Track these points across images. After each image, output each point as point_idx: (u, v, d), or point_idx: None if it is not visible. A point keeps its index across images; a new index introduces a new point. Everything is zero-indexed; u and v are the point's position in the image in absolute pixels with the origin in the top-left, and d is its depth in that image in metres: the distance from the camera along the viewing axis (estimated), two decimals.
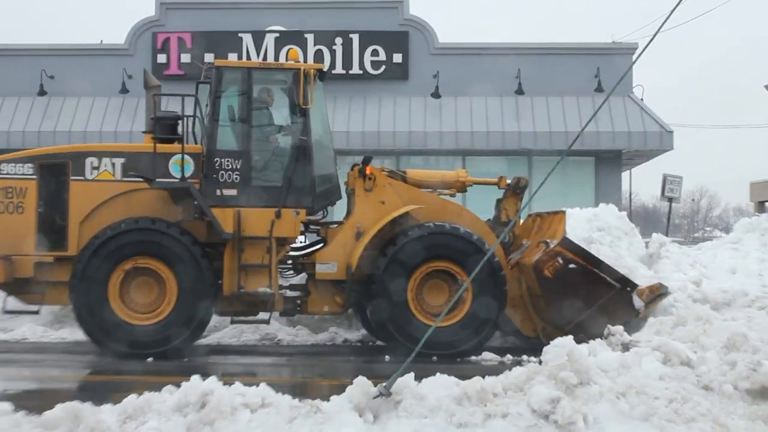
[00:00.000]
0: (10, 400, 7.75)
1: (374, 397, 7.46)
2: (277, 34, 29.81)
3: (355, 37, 29.98)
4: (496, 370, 8.59)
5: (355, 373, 7.94)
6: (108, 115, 29.04)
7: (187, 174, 13.58)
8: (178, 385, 7.63)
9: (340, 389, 7.69)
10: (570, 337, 8.32)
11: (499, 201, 15.13)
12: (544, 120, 28.99)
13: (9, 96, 29.61)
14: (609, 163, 29.74)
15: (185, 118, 13.72)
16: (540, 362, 8.09)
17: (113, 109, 28.93)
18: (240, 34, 29.80)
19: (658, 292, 13.47)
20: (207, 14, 30.20)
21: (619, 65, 28.11)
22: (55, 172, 13.70)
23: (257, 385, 7.65)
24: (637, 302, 13.31)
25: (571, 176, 28.31)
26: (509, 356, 13.03)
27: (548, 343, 13.85)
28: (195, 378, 7.60)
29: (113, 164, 13.71)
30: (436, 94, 29.66)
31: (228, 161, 13.58)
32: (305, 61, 29.39)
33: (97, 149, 14.11)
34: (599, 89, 28.72)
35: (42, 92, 29.77)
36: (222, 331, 15.13)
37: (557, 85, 29.09)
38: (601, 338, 10.11)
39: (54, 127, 28.76)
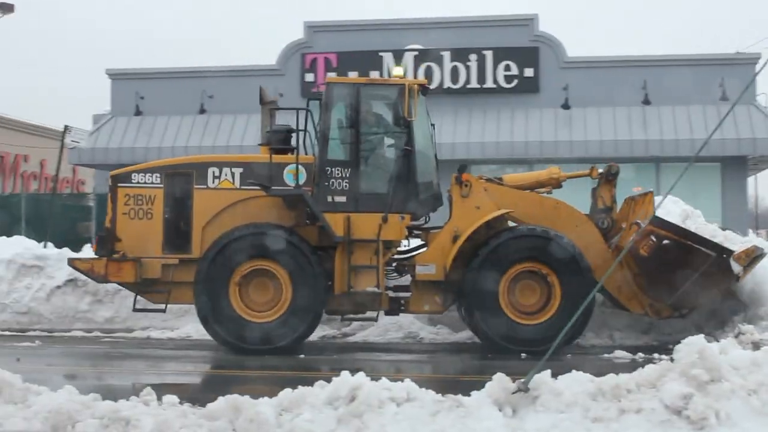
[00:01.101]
0: (176, 393, 7.92)
1: (513, 393, 7.37)
2: (416, 52, 29.88)
3: (489, 54, 29.90)
4: (628, 367, 8.41)
5: (494, 370, 7.87)
6: (261, 131, 29.55)
7: (301, 182, 13.74)
8: (328, 380, 7.68)
9: (480, 385, 7.62)
10: (701, 336, 8.07)
11: (594, 190, 14.91)
12: (671, 128, 28.43)
13: (173, 115, 30.42)
14: (734, 168, 29.00)
15: (298, 131, 13.87)
16: (671, 360, 7.88)
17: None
18: (381, 53, 30.00)
19: (754, 254, 13.16)
20: (350, 35, 30.49)
21: (742, 75, 27.41)
22: (180, 181, 14.08)
23: (402, 381, 7.65)
24: (736, 267, 13.02)
25: (698, 182, 27.63)
26: (641, 354, 12.75)
27: (658, 319, 13.95)
28: (345, 373, 7.63)
29: (233, 173, 14.02)
30: (565, 106, 29.37)
31: (338, 170, 13.74)
32: (441, 77, 29.46)
33: (218, 160, 14.44)
34: (724, 98, 28.03)
35: (202, 111, 30.48)
36: (368, 330, 15.19)
37: (683, 94, 28.49)
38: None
39: (213, 142, 29.41)
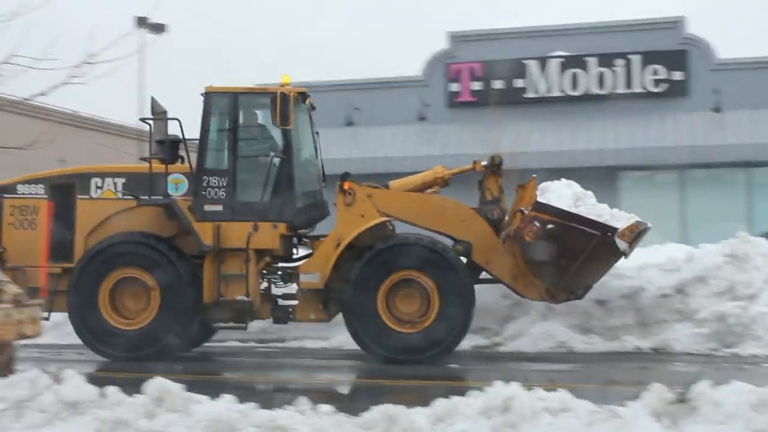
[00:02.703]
0: (331, 402, 7.99)
1: (670, 403, 7.20)
2: (562, 59, 29.57)
3: (636, 58, 29.38)
4: None
5: (649, 380, 7.70)
6: (407, 141, 29.71)
7: (182, 192, 13.95)
8: (481, 390, 7.64)
9: (636, 395, 7.46)
10: None
11: (480, 182, 14.60)
12: None
13: (321, 127, 30.81)
14: None
15: (185, 141, 13.98)
16: None
17: (412, 135, 29.57)
18: (525, 61, 29.78)
19: (638, 229, 13.02)
20: (494, 44, 30.39)
21: None
22: (64, 192, 14.36)
23: (556, 391, 7.55)
24: (621, 244, 12.88)
25: None
26: None
27: (556, 303, 14.11)
28: (498, 383, 7.59)
29: (115, 184, 14.28)
30: (716, 109, 28.58)
31: (214, 179, 13.87)
32: (587, 83, 29.08)
33: (101, 170, 14.58)
34: None
35: (349, 123, 30.80)
36: (518, 339, 15.04)
37: None
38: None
39: (361, 154, 29.69)
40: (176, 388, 7.73)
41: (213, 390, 8.49)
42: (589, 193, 13.97)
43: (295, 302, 14.31)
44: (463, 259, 13.95)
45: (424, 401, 7.77)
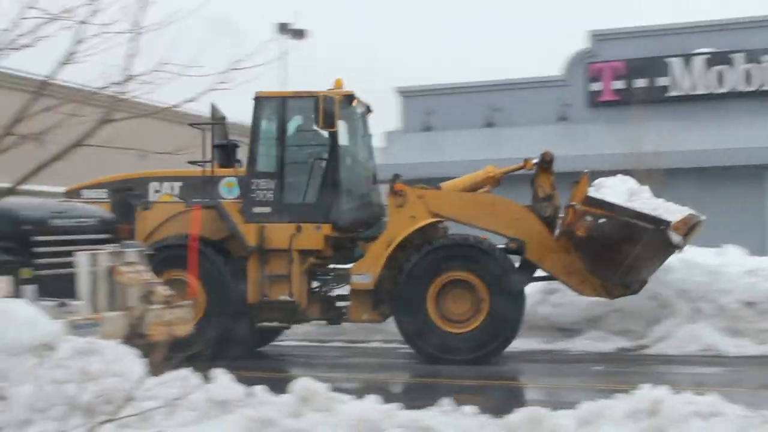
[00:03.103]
0: (473, 403, 7.95)
1: None
2: (708, 56, 28.84)
3: None
4: None
5: None
6: (547, 142, 29.40)
7: (234, 195, 14.28)
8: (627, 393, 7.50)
9: None
10: None
11: (532, 180, 14.36)
12: None
13: (461, 129, 30.83)
14: None
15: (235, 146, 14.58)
16: None
17: (552, 136, 29.24)
18: (668, 59, 29.14)
19: (691, 222, 12.79)
20: (636, 42, 29.80)
21: None
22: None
23: (706, 395, 7.35)
24: (675, 237, 12.63)
25: None
26: None
27: (612, 299, 13.93)
28: (645, 386, 7.43)
29: (173, 187, 14.68)
30: None
31: (263, 182, 14.21)
32: (734, 80, 28.32)
33: (160, 175, 14.91)
34: None
35: (489, 124, 30.69)
36: (664, 342, 14.72)
37: None
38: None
39: (500, 155, 29.51)
40: (321, 387, 7.80)
41: (358, 391, 8.57)
42: (645, 188, 13.88)
43: (347, 303, 14.46)
44: (518, 258, 14.05)
45: (569, 404, 7.67)
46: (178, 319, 10.27)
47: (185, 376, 7.79)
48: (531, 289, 14.89)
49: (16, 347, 7.60)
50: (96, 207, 11.71)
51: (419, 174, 26.02)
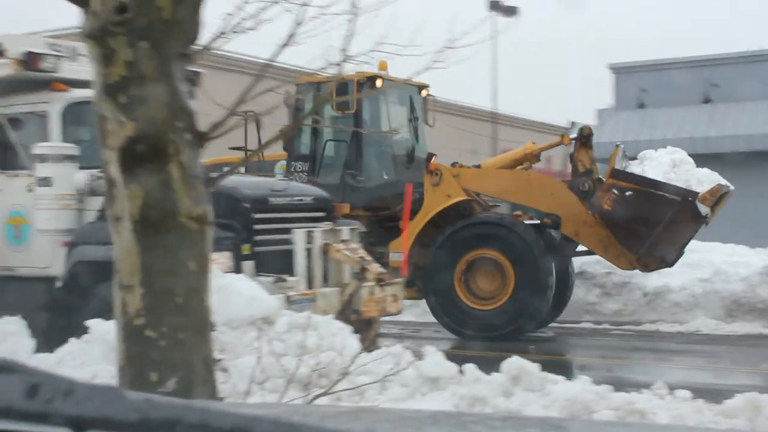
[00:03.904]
0: (687, 388, 7.75)
1: None
2: None
3: None
4: None
5: None
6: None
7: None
8: None
9: None
10: None
11: (571, 156, 14.09)
12: None
13: (676, 106, 29.98)
14: None
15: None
16: None
17: None
18: None
19: (719, 193, 12.44)
20: None
21: None
22: None
23: None
24: (703, 209, 12.34)
25: None
26: None
27: (648, 272, 13.95)
28: None
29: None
30: None
31: (300, 164, 14.93)
32: None
33: (223, 161, 14.76)
34: None
35: (706, 100, 29.74)
36: None
37: None
38: None
39: (719, 132, 28.55)
40: (533, 367, 7.79)
41: (568, 371, 8.51)
42: (689, 159, 13.52)
43: None
44: (556, 233, 14.22)
45: None
46: (391, 296, 10.45)
47: (398, 352, 7.93)
48: (750, 270, 14.40)
49: (236, 321, 7.94)
50: (312, 186, 12.03)
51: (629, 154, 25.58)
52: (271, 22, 4.21)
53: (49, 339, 8.95)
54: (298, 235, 9.94)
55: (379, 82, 14.69)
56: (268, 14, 4.16)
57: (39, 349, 8.70)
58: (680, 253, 13.74)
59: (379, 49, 4.42)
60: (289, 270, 9.83)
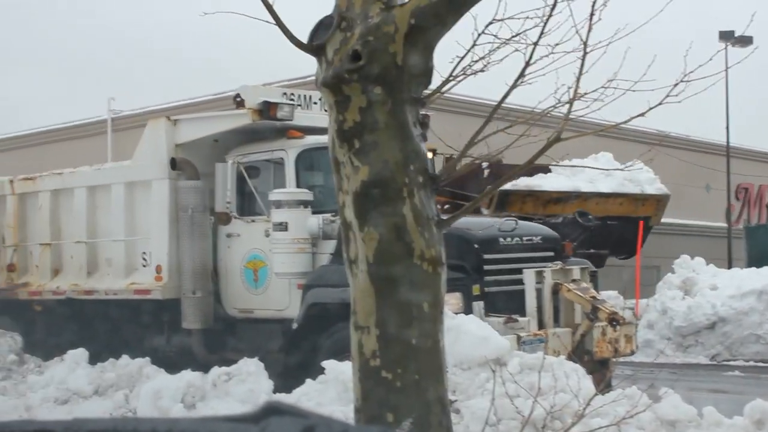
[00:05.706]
0: None
1: None
2: None
3: None
4: None
5: None
6: None
7: None
8: None
9: None
10: None
11: None
12: None
13: None
14: None
15: None
16: None
17: None
18: None
19: None
20: None
21: None
22: None
23: None
24: None
25: None
26: None
27: None
28: None
29: None
30: None
31: None
32: None
33: None
34: None
35: None
36: None
37: None
38: None
39: None
40: None
41: None
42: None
43: None
44: None
45: None
46: (623, 336, 10.18)
47: (633, 394, 7.71)
48: None
49: (468, 361, 7.93)
50: (540, 225, 11.90)
51: None
52: (499, 63, 4.21)
53: (286, 379, 9.23)
54: (528, 275, 9.85)
55: None
56: (497, 55, 4.16)
57: (276, 389, 8.97)
58: None
59: (609, 86, 4.34)
60: (520, 310, 9.75)
